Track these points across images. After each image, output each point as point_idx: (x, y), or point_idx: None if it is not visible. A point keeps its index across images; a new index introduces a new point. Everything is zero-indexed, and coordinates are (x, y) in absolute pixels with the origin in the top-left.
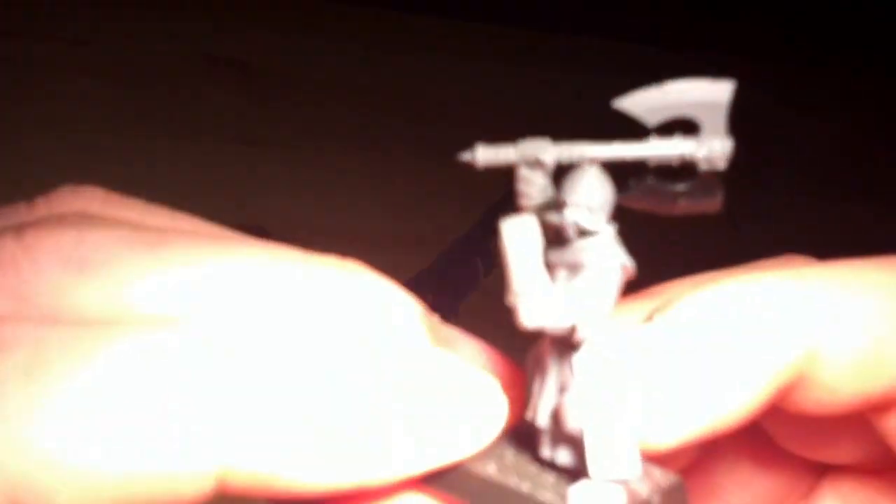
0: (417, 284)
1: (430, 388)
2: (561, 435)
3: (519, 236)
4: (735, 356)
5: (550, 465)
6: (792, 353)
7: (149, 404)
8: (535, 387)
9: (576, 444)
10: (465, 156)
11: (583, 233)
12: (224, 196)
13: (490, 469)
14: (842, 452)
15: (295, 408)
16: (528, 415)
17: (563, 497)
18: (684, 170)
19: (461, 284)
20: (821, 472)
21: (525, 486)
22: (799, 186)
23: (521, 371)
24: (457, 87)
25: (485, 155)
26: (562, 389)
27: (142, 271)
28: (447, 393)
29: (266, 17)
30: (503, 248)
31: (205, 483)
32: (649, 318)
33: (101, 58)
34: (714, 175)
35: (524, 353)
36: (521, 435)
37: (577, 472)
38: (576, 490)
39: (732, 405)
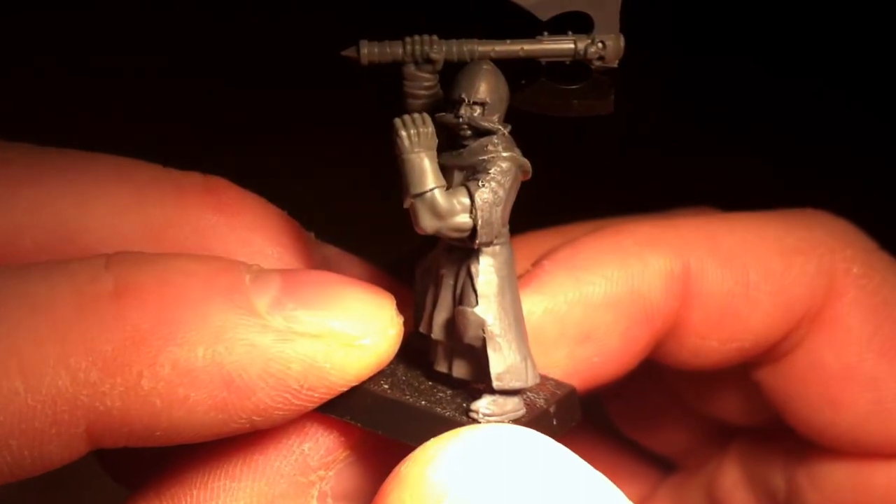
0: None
1: (323, 305)
2: (457, 347)
3: (414, 135)
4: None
5: (444, 379)
6: (655, 295)
7: None
8: (428, 299)
9: (473, 357)
10: (349, 52)
11: (478, 133)
12: None
13: (385, 387)
14: (735, 410)
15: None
16: (422, 328)
17: (462, 411)
18: (577, 70)
19: None
20: (729, 435)
21: (423, 402)
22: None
23: (401, 287)
24: None
25: (369, 51)
26: (459, 300)
27: None
28: (343, 310)
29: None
30: (398, 148)
31: None
32: (537, 262)
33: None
34: (607, 74)
35: None
36: (410, 350)
37: (472, 384)
38: (479, 404)
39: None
